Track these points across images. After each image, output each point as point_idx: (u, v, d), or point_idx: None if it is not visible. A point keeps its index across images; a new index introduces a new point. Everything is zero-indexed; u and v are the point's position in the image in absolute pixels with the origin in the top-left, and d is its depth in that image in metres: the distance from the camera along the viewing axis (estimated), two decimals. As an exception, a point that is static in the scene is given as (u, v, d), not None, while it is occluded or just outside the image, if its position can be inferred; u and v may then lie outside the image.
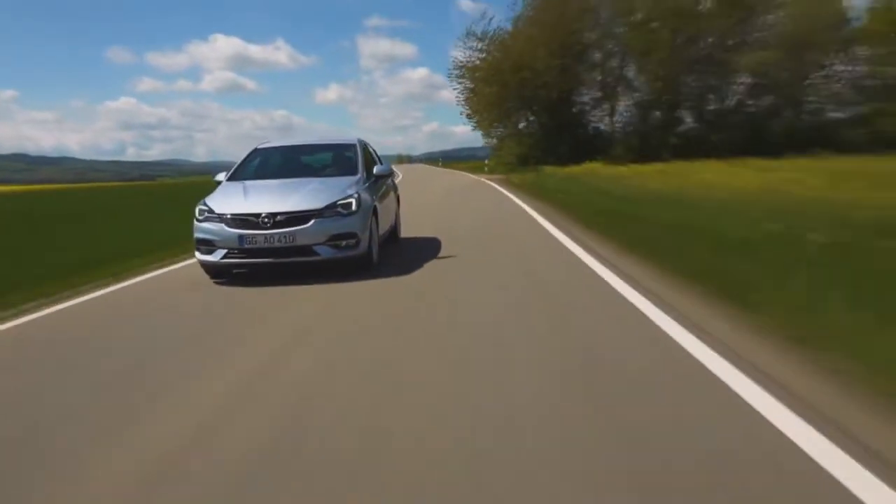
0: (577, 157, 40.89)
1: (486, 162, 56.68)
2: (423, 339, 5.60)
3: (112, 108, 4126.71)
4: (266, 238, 7.95)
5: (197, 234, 8.42)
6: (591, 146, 44.79)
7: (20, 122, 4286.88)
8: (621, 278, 7.48)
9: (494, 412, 3.90)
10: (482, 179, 38.01)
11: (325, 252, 8.11)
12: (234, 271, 8.59)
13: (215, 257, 8.19)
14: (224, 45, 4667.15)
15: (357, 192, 8.59)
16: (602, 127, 51.15)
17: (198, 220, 8.46)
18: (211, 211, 8.36)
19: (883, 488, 2.90)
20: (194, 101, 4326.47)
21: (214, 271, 8.58)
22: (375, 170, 9.99)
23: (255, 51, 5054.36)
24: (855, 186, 15.81)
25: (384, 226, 9.89)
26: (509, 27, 51.41)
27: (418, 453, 3.48)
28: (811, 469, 3.08)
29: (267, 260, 8.09)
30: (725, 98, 48.81)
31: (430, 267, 9.17)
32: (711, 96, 48.70)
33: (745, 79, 47.12)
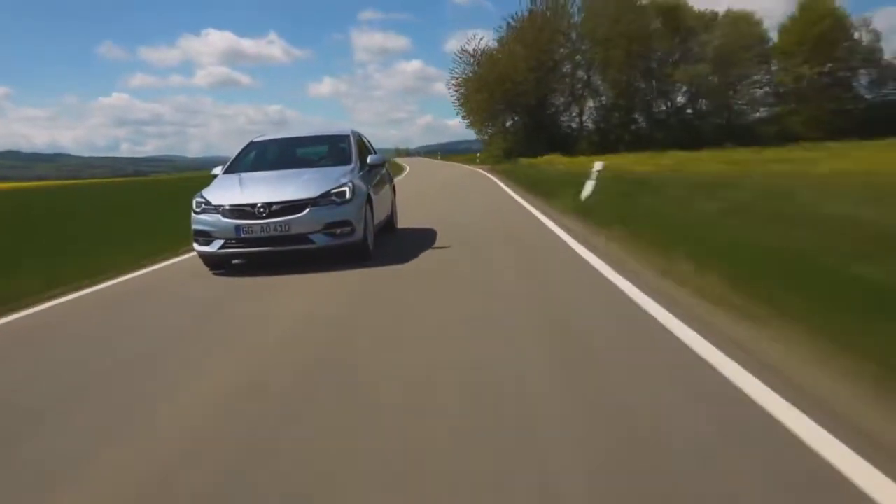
0: (552, 150, 48.22)
1: (478, 154, 64.02)
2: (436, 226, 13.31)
3: (105, 104, 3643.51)
4: (262, 227, 7.85)
5: (195, 226, 8.36)
6: (562, 142, 53.47)
7: (13, 120, 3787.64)
8: (519, 197, 17.89)
9: (464, 230, 12.85)
10: (474, 168, 45.61)
11: (320, 240, 8.02)
12: (234, 262, 8.60)
13: (213, 248, 8.11)
14: (216, 39, 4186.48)
15: (351, 181, 8.50)
16: (574, 125, 61.42)
17: (195, 212, 8.40)
18: (208, 203, 8.29)
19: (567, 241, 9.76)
20: (188, 96, 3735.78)
21: (212, 262, 8.50)
22: (369, 159, 9.92)
23: (248, 45, 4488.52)
24: (696, 164, 24.02)
25: (380, 214, 9.85)
26: (496, 45, 60.75)
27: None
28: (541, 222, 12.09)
29: (263, 249, 8.02)
30: (669, 103, 59.35)
31: (438, 195, 20.55)
32: (659, 101, 58.86)
33: (684, 88, 57.58)
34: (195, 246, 8.48)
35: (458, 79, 59.85)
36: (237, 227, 7.97)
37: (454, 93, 60.08)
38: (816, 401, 3.35)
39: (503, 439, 3.16)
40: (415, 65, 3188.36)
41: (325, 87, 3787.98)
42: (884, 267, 5.07)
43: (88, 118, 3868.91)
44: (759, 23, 56.32)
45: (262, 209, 7.93)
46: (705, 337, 4.37)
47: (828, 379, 3.64)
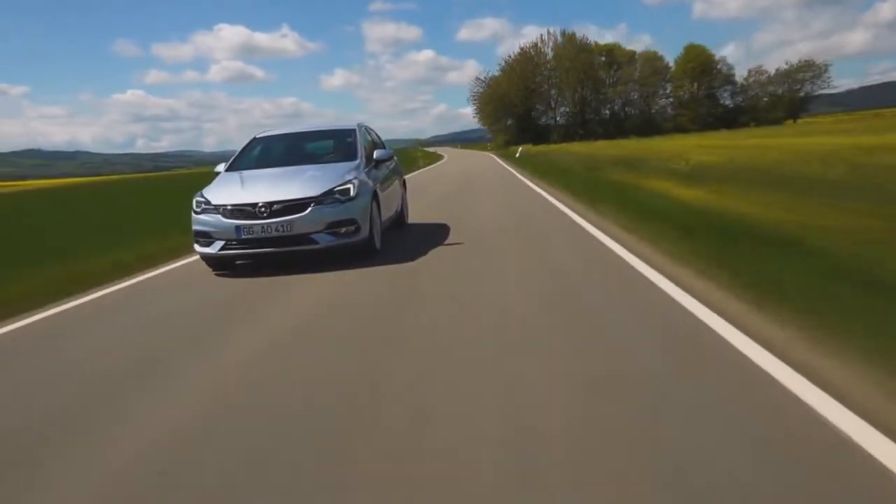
0: (535, 141, 68.41)
1: (489, 144, 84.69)
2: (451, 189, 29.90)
3: (121, 100, 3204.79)
4: (263, 228, 6.74)
5: (195, 227, 7.16)
6: (540, 135, 73.38)
7: (32, 118, 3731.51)
8: (499, 159, 35.62)
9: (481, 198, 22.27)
10: (485, 153, 60.55)
11: (324, 240, 6.85)
12: (237, 262, 7.31)
13: (213, 249, 6.98)
14: (229, 34, 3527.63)
15: (355, 178, 7.24)
16: (548, 124, 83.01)
17: (195, 212, 7.18)
18: (208, 202, 7.11)
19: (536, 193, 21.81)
20: (202, 91, 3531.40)
21: (215, 263, 7.27)
22: (376, 154, 8.39)
23: (261, 39, 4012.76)
24: (607, 148, 40.50)
25: (387, 211, 8.38)
26: (498, 73, 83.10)
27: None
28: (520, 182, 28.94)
29: (265, 250, 6.85)
30: (608, 109, 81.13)
31: (466, 161, 36.29)
32: (602, 108, 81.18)
33: (617, 99, 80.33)
34: (195, 247, 7.18)
35: (475, 95, 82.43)
36: (238, 227, 6.76)
37: (473, 104, 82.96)
38: (560, 198, 12.04)
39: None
40: (427, 55, 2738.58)
41: (337, 79, 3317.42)
42: (590, 171, 21.23)
43: (105, 115, 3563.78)
44: (662, 58, 78.41)
45: (262, 209, 6.73)
46: (531, 183, 16.64)
47: (562, 193, 13.08)
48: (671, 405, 2.72)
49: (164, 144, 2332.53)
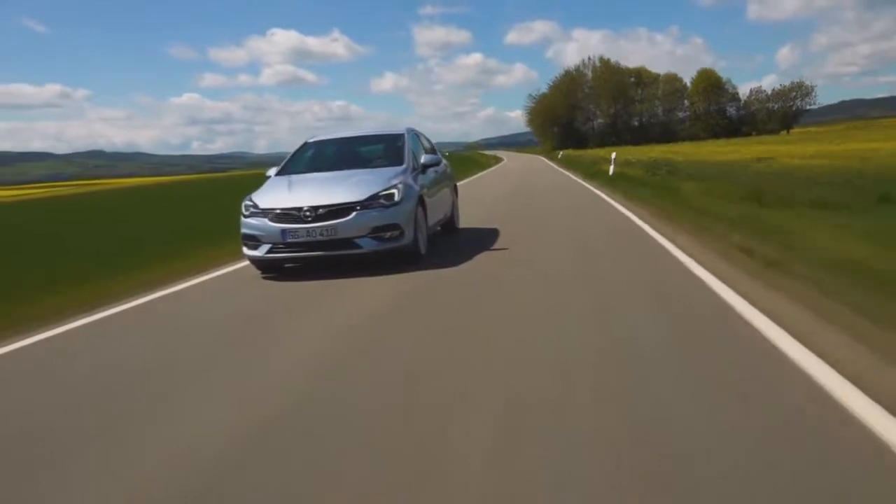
0: (575, 147, 77.61)
1: (538, 148, 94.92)
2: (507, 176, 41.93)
3: (177, 104, 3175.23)
4: (308, 232, 6.41)
5: (243, 230, 6.78)
6: (580, 141, 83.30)
7: (93, 120, 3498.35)
8: (545, 159, 44.29)
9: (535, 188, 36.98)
10: (534, 155, 67.83)
11: (367, 244, 6.42)
12: (286, 266, 6.86)
13: (260, 252, 6.61)
14: (282, 38, 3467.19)
15: (401, 182, 6.79)
16: (587, 133, 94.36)
17: (244, 216, 6.81)
18: (256, 206, 6.75)
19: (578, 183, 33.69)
20: (255, 94, 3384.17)
21: (262, 266, 6.85)
22: (423, 159, 7.95)
23: (312, 43, 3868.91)
24: (630, 152, 51.86)
25: (435, 216, 7.85)
26: (547, 90, 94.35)
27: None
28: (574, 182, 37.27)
29: (310, 253, 6.50)
30: (636, 121, 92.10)
31: (518, 162, 43.09)
32: (631, 120, 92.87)
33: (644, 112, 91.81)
34: (244, 250, 6.80)
35: (528, 108, 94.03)
36: (283, 231, 6.44)
37: (526, 116, 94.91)
38: (573, 175, 24.07)
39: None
40: (475, 58, 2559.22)
41: (387, 82, 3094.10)
42: (594, 164, 30.88)
43: (162, 118, 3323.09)
44: (681, 80, 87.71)
45: (307, 213, 6.40)
46: (567, 173, 25.34)
47: (574, 174, 28.06)
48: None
49: (218, 146, 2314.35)
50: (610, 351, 3.32)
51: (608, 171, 19.62)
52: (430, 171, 8.02)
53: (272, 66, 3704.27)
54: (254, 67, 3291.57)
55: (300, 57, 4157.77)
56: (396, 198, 6.60)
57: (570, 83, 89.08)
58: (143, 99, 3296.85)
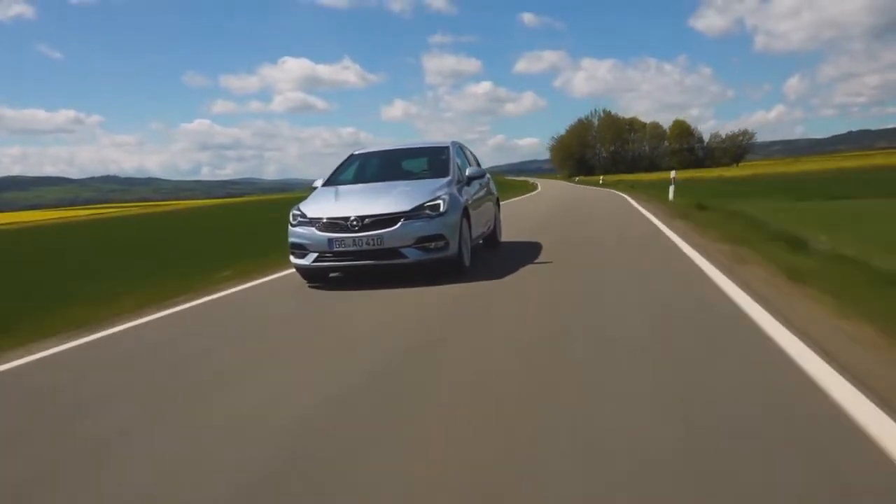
0: (585, 174, 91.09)
1: (557, 175, 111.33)
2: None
3: (188, 129, 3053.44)
4: (354, 241, 5.77)
5: (291, 239, 6.12)
6: (590, 170, 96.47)
7: (105, 146, 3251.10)
8: (574, 185, 52.41)
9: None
10: (556, 181, 70.66)
11: (412, 254, 5.78)
12: (331, 275, 6.24)
13: (307, 261, 5.99)
14: (293, 66, 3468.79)
15: (446, 194, 6.12)
16: (594, 164, 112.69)
17: (291, 225, 6.17)
18: (303, 216, 6.12)
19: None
20: (266, 121, 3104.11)
21: (308, 275, 6.22)
22: (468, 171, 7.18)
23: (323, 70, 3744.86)
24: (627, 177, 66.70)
25: (478, 228, 7.08)
26: (564, 133, 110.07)
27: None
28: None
29: (356, 262, 5.82)
30: (629, 155, 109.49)
31: (552, 183, 52.43)
32: (626, 154, 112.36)
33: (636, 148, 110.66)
34: (291, 258, 6.14)
35: (550, 146, 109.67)
36: (330, 240, 5.82)
37: (548, 152, 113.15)
38: (590, 186, 38.99)
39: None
40: (485, 86, 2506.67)
41: (396, 109, 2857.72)
42: (597, 183, 44.39)
43: (173, 143, 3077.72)
44: (662, 127, 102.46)
45: (354, 222, 5.79)
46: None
47: (589, 185, 39.42)
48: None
49: (228, 172, 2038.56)
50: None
51: (599, 181, 30.88)
52: (475, 184, 7.20)
53: (283, 94, 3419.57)
54: (265, 94, 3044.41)
55: (311, 84, 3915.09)
56: (442, 208, 5.87)
57: (581, 128, 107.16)
58: (154, 125, 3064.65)
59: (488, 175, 8.16)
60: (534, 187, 42.68)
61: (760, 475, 1.73)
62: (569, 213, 14.34)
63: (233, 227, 19.01)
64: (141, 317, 5.18)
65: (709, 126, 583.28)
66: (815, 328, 3.07)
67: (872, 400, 2.13)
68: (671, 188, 16.43)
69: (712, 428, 2.02)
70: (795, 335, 2.95)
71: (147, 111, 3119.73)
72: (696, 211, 10.85)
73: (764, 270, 4.88)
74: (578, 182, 55.45)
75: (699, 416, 2.14)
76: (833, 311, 3.39)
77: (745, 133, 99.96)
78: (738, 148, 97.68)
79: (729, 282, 4.45)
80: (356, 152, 7.84)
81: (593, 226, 10.68)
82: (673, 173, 18.16)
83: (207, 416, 2.62)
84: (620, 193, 23.83)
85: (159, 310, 5.46)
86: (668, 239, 7.77)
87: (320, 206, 6.24)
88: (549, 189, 39.60)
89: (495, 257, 7.13)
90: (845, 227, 7.49)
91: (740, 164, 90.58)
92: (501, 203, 9.23)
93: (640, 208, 13.72)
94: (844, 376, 2.37)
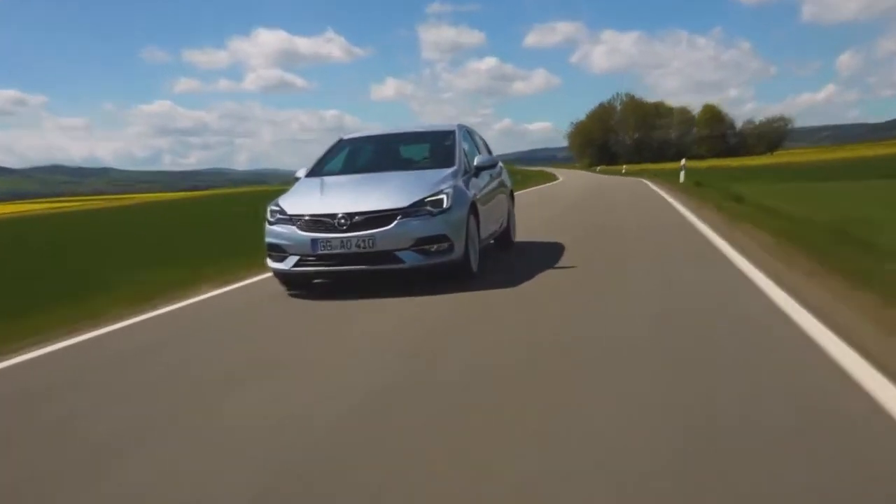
0: (608, 163, 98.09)
1: (576, 164, 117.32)
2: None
3: (146, 112, 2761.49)
4: (342, 242, 5.57)
5: (268, 239, 5.93)
6: (612, 159, 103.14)
7: (50, 130, 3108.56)
8: (596, 174, 60.79)
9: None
10: (576, 171, 79.32)
11: (410, 258, 5.62)
12: (315, 281, 6.02)
13: (286, 265, 5.79)
14: (267, 39, 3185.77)
15: (451, 187, 5.96)
16: (618, 152, 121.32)
17: (268, 223, 5.96)
18: (282, 212, 5.91)
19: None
20: (236, 102, 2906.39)
21: (288, 281, 6.04)
22: (477, 160, 6.93)
23: (302, 44, 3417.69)
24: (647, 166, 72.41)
25: (488, 227, 6.91)
26: (584, 118, 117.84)
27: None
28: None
29: (343, 268, 5.67)
30: (655, 143, 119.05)
31: (574, 173, 60.91)
32: (652, 141, 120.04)
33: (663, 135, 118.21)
34: (268, 262, 5.98)
35: (568, 133, 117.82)
36: (314, 241, 5.62)
37: (563, 138, 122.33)
38: (613, 175, 47.24)
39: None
40: (490, 62, 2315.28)
41: (387, 89, 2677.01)
42: (618, 172, 52.86)
43: (128, 127, 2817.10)
44: (691, 112, 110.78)
45: (342, 220, 5.59)
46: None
47: (611, 175, 47.54)
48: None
49: (192, 161, 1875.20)
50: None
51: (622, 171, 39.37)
52: (485, 175, 6.97)
53: (256, 71, 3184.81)
54: (235, 71, 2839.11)
55: (288, 59, 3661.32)
56: (445, 204, 5.71)
57: (602, 113, 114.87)
58: (107, 106, 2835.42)
59: (501, 164, 8.02)
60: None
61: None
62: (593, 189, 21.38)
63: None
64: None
65: (748, 109, 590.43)
66: (720, 224, 9.99)
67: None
68: (682, 173, 24.80)
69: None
70: (707, 226, 9.34)
71: (98, 90, 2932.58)
72: (693, 187, 18.06)
73: (708, 211, 11.40)
74: (600, 172, 62.64)
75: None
76: (731, 221, 10.45)
77: (781, 119, 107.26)
78: (774, 134, 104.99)
79: (695, 218, 10.54)
80: (346, 137, 7.52)
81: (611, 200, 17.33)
82: (683, 161, 26.75)
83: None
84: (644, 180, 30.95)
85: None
86: (662, 198, 15.07)
87: (303, 200, 6.01)
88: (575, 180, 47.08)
89: (509, 257, 7.46)
90: (794, 198, 13.01)
91: (776, 153, 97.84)
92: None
93: (656, 188, 21.17)
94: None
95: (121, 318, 5.50)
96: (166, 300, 6.19)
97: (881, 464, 2.14)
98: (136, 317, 5.54)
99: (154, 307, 5.93)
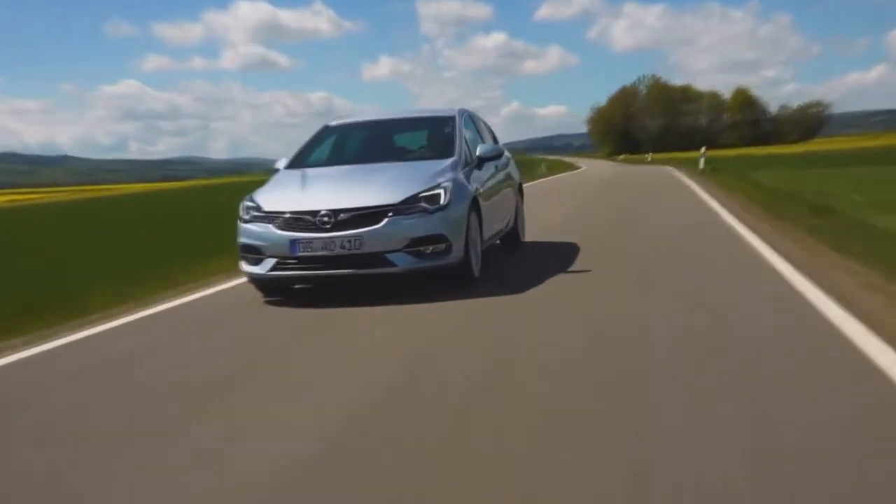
0: (630, 152, 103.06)
1: (596, 153, 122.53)
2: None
3: (111, 93, 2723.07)
4: (325, 243, 5.49)
5: (241, 239, 5.84)
6: (635, 147, 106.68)
7: (1, 113, 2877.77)
8: (617, 163, 65.12)
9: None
10: (594, 160, 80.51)
11: (403, 261, 5.52)
12: (296, 286, 6.00)
13: (262, 269, 5.70)
14: (247, 11, 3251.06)
15: (449, 180, 5.89)
16: (641, 140, 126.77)
17: (242, 220, 5.87)
18: (258, 208, 5.83)
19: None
20: (212, 82, 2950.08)
21: (265, 287, 5.94)
22: (480, 150, 6.81)
23: (286, 17, 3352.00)
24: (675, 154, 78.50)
25: (492, 225, 6.83)
26: (605, 103, 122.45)
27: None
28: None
29: (326, 272, 5.58)
30: (685, 129, 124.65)
31: (596, 162, 66.06)
32: (680, 127, 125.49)
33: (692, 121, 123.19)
34: (241, 265, 5.89)
35: (588, 119, 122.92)
36: (293, 241, 5.54)
37: (579, 124, 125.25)
38: (633, 165, 52.49)
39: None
40: (497, 38, 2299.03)
41: (381, 68, 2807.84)
42: (648, 163, 59.09)
43: (90, 110, 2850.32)
44: (721, 96, 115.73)
45: (325, 218, 5.50)
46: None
47: (634, 165, 52.64)
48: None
49: (162, 149, 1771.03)
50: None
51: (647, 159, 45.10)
52: (489, 166, 6.95)
53: (234, 47, 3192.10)
54: (211, 48, 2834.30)
55: (271, 34, 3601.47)
56: (443, 200, 5.65)
57: (625, 97, 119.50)
58: (67, 87, 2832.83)
59: (508, 154, 7.98)
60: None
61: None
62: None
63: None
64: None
65: (787, 91, 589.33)
66: (719, 194, 15.80)
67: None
68: (701, 159, 29.73)
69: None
70: (712, 198, 14.55)
71: (57, 69, 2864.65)
72: (709, 171, 23.70)
73: (717, 190, 16.92)
74: (623, 161, 67.70)
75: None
76: (728, 197, 15.76)
77: (818, 104, 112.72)
78: (812, 120, 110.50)
79: (712, 199, 14.52)
80: (332, 123, 7.48)
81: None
82: (703, 149, 31.98)
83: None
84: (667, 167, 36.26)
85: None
86: (679, 179, 20.22)
87: (281, 195, 5.95)
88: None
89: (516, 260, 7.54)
90: (790, 180, 18.54)
91: (814, 141, 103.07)
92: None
93: (676, 171, 26.44)
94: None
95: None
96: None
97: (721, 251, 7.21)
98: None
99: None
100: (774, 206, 10.73)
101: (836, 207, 9.68)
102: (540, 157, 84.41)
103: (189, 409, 3.42)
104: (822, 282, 5.05)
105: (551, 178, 32.33)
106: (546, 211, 12.57)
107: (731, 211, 10.79)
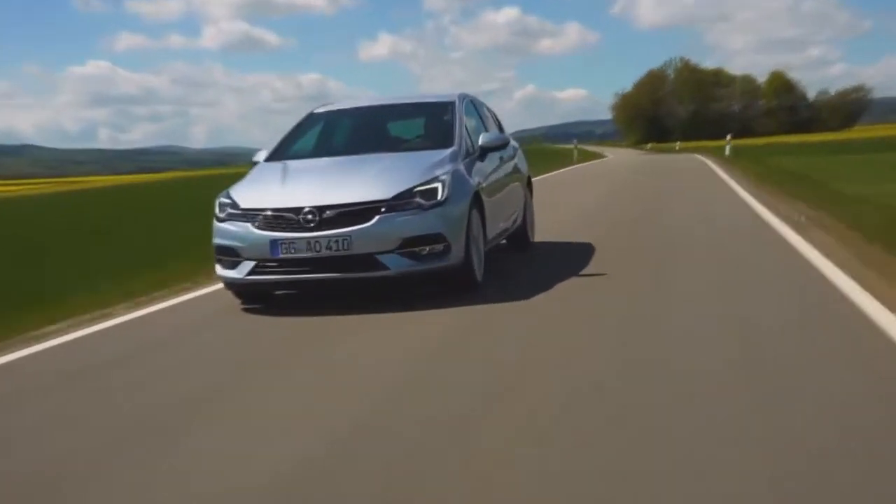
0: (658, 140, 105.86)
1: (623, 142, 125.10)
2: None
3: (78, 75, 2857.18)
4: (309, 244, 5.52)
5: (216, 240, 5.91)
6: (664, 135, 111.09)
7: None
8: (646, 152, 70.08)
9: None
10: (623, 149, 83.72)
11: (395, 264, 5.56)
12: (277, 292, 6.09)
13: (239, 273, 5.75)
14: None
15: (448, 173, 5.91)
16: (670, 127, 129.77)
17: (217, 219, 5.94)
18: (234, 205, 5.88)
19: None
20: (191, 62, 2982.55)
21: (242, 293, 6.07)
22: (482, 139, 6.85)
23: None
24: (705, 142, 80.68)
25: (497, 223, 6.88)
26: (632, 88, 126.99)
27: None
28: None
29: (310, 276, 5.64)
30: (717, 115, 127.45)
31: (623, 151, 70.19)
32: (710, 113, 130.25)
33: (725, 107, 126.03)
34: (217, 269, 5.98)
35: (615, 106, 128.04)
36: (274, 242, 5.57)
37: (602, 110, 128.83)
38: (661, 153, 57.90)
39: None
40: (510, 13, 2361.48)
41: (381, 47, 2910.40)
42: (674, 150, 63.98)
43: (56, 95, 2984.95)
44: (756, 80, 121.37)
45: (309, 216, 5.53)
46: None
47: (662, 153, 58.20)
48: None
49: (136, 137, 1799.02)
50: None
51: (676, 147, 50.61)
52: (493, 157, 7.00)
53: (216, 23, 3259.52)
54: (190, 24, 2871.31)
55: (257, 9, 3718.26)
56: (440, 195, 5.71)
57: (652, 81, 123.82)
58: (30, 68, 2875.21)
59: (515, 144, 8.11)
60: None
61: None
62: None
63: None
64: None
65: (834, 72, 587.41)
66: (738, 175, 21.40)
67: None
68: (727, 146, 35.32)
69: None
70: (727, 174, 21.30)
71: (19, 48, 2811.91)
72: (733, 157, 29.68)
73: (739, 171, 22.80)
74: (651, 149, 72.87)
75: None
76: (742, 174, 21.74)
77: (859, 89, 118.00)
78: (853, 106, 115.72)
79: (725, 175, 21.29)
80: (318, 110, 7.56)
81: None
82: (728, 136, 38.18)
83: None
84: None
85: None
86: (705, 164, 26.41)
87: (260, 191, 6.02)
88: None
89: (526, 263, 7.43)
90: (807, 165, 24.01)
91: (855, 128, 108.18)
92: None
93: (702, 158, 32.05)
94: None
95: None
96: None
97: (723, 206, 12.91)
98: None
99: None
100: (768, 178, 16.40)
101: (814, 177, 15.08)
102: (572, 146, 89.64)
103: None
104: (773, 208, 10.69)
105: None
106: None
107: (737, 181, 16.74)
